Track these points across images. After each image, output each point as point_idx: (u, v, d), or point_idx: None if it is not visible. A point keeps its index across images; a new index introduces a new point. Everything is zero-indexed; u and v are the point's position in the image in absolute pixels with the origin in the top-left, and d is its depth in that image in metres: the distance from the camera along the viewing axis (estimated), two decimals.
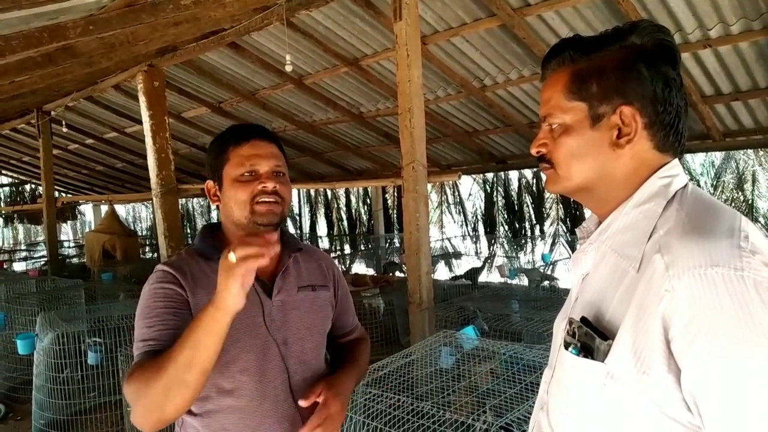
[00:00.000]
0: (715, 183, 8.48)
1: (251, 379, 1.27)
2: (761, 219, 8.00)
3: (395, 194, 11.32)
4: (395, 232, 11.21)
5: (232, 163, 1.31)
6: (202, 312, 1.07)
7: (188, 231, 15.00)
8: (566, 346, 0.88)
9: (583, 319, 0.86)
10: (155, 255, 11.22)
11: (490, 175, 10.22)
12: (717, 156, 8.49)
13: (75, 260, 11.40)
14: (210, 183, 1.38)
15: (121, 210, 17.34)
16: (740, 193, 8.23)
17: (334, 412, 1.27)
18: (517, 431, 1.85)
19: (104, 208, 12.16)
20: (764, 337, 0.69)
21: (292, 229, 13.41)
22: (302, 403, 1.24)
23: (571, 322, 0.89)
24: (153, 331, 1.20)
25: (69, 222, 18.52)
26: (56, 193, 10.29)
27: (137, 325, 1.25)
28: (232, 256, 1.01)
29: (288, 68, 4.44)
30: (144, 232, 16.98)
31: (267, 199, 1.29)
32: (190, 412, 1.28)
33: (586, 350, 0.84)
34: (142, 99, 5.44)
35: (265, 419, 1.27)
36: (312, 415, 1.30)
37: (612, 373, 0.80)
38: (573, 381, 0.88)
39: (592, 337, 0.83)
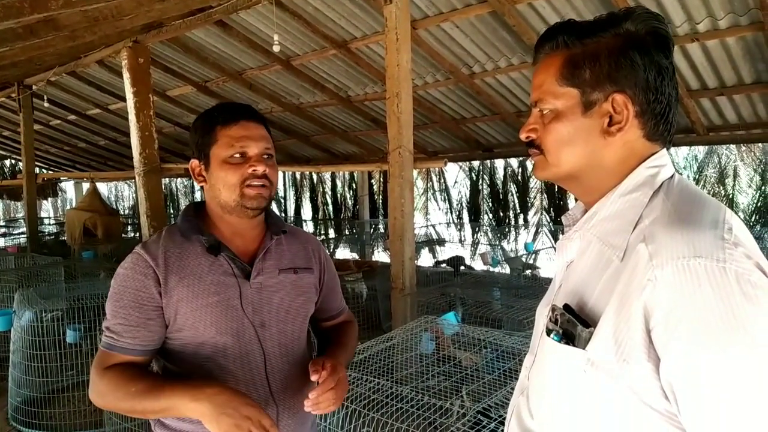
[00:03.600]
0: (697, 177, 8.58)
1: (227, 361, 1.27)
2: (740, 214, 8.11)
3: (381, 179, 11.30)
4: (380, 217, 11.20)
5: (220, 143, 1.28)
6: (182, 394, 1.14)
7: (171, 211, 14.86)
8: (548, 332, 0.88)
9: (566, 306, 0.87)
10: (137, 234, 11.11)
11: (476, 163, 10.23)
12: (700, 150, 8.58)
13: (55, 237, 11.27)
14: (195, 162, 1.34)
15: (103, 188, 17.12)
16: (721, 188, 8.33)
17: (342, 377, 1.28)
18: (495, 416, 1.87)
19: (86, 186, 11.99)
20: (743, 329, 0.69)
21: (276, 212, 13.32)
22: (314, 378, 1.24)
23: (554, 308, 0.89)
24: (116, 323, 1.25)
25: (50, 199, 18.24)
26: (37, 170, 10.13)
27: (107, 304, 1.28)
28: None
29: (276, 48, 4.39)
30: (126, 211, 16.78)
31: (256, 183, 1.27)
32: None
33: (568, 337, 0.84)
34: (126, 75, 5.35)
35: None
36: (289, 400, 1.32)
37: (592, 360, 0.80)
38: (554, 367, 0.89)
39: (574, 324, 0.83)
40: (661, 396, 0.76)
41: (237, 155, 1.27)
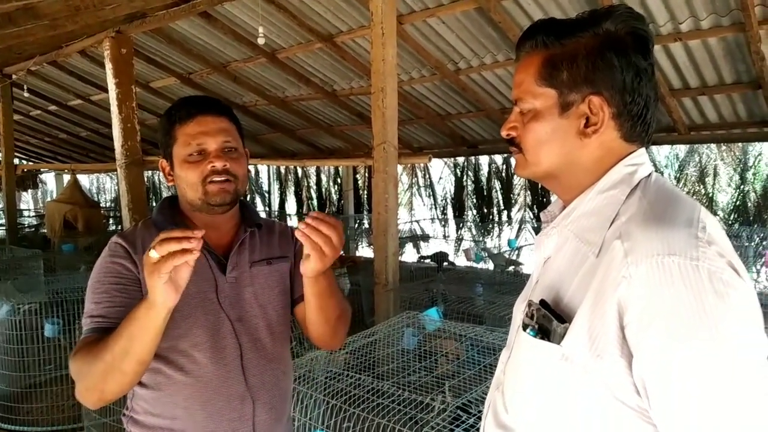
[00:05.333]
0: (678, 175, 8.67)
1: (203, 355, 1.26)
2: (720, 212, 8.23)
3: (366, 174, 11.28)
4: (365, 212, 11.19)
5: (179, 143, 1.27)
6: (137, 306, 1.06)
7: (153, 204, 14.70)
8: (524, 327, 0.89)
9: (542, 302, 0.87)
10: (119, 227, 10.99)
11: (460, 159, 10.25)
12: (681, 149, 8.68)
13: (35, 229, 11.12)
14: (164, 162, 1.34)
15: (84, 180, 16.91)
16: (702, 186, 8.44)
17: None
18: (474, 411, 1.88)
19: (67, 178, 11.83)
20: (714, 326, 0.70)
21: (260, 206, 13.27)
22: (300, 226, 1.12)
23: (530, 304, 0.90)
24: (101, 307, 1.20)
25: (30, 191, 17.97)
26: (16, 161, 9.98)
27: (87, 298, 1.24)
28: (153, 254, 0.96)
29: (260, 41, 4.37)
30: (108, 204, 16.60)
31: (218, 179, 1.26)
32: (141, 384, 1.27)
33: (543, 332, 0.85)
34: (108, 66, 5.28)
35: (215, 395, 1.26)
36: (265, 395, 1.32)
37: (567, 355, 0.81)
38: (529, 362, 0.89)
39: (550, 320, 0.84)
40: (633, 391, 0.77)
41: (195, 153, 1.26)
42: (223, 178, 1.26)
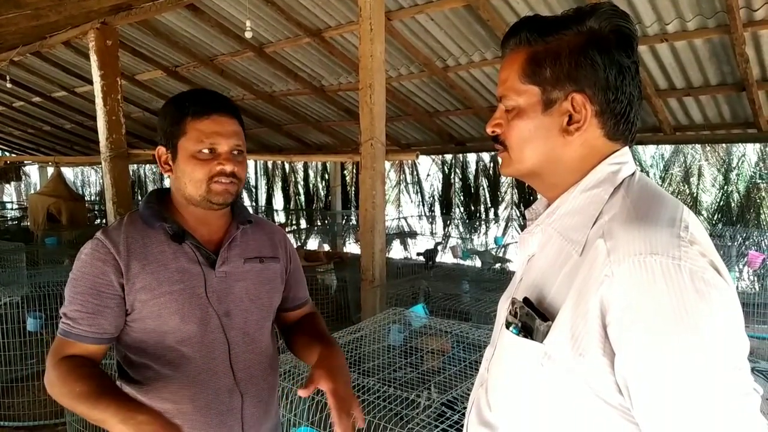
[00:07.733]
0: (663, 175, 8.75)
1: (190, 350, 1.25)
2: (704, 212, 8.32)
3: (354, 170, 11.25)
4: (352, 208, 11.17)
5: (189, 137, 1.24)
6: (112, 413, 1.05)
7: (138, 198, 14.57)
8: (507, 325, 0.89)
9: (526, 300, 0.87)
10: (103, 221, 10.89)
11: (448, 157, 10.28)
12: (667, 149, 8.76)
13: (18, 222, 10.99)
14: (162, 150, 1.30)
15: (69, 173, 16.72)
16: (686, 186, 8.52)
17: (345, 395, 1.17)
18: (459, 407, 1.89)
19: (51, 170, 11.68)
20: (695, 326, 0.70)
21: (247, 202, 13.20)
22: (302, 393, 1.16)
23: (513, 302, 0.90)
24: (73, 309, 1.22)
25: (13, 183, 17.74)
26: None
27: (66, 289, 1.25)
28: None
29: (248, 35, 4.35)
30: (93, 197, 16.43)
31: (224, 180, 1.25)
32: (128, 380, 1.27)
33: (526, 330, 0.85)
34: (93, 58, 5.23)
35: (203, 390, 1.26)
36: (253, 389, 1.32)
37: (549, 353, 0.81)
38: (512, 360, 0.90)
39: (533, 318, 0.84)
40: (615, 390, 0.77)
41: (206, 151, 1.24)
42: (228, 180, 1.26)
